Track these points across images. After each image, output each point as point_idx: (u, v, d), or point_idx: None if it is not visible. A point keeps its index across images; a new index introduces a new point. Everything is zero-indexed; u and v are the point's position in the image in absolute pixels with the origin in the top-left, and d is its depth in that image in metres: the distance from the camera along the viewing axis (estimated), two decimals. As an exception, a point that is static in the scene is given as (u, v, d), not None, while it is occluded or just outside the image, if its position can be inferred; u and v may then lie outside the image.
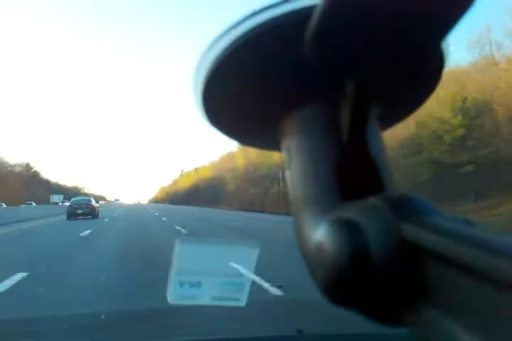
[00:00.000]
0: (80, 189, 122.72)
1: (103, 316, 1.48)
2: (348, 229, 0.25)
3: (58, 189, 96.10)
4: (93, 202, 28.29)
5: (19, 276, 6.05)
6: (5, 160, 72.60)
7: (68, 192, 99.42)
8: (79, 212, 26.39)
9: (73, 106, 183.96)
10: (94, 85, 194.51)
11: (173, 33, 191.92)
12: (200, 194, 75.24)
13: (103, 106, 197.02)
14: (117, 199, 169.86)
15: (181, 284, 0.95)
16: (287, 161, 0.31)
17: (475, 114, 22.78)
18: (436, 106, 21.62)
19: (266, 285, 4.97)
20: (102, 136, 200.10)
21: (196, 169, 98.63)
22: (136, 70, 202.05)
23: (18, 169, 77.72)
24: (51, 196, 77.33)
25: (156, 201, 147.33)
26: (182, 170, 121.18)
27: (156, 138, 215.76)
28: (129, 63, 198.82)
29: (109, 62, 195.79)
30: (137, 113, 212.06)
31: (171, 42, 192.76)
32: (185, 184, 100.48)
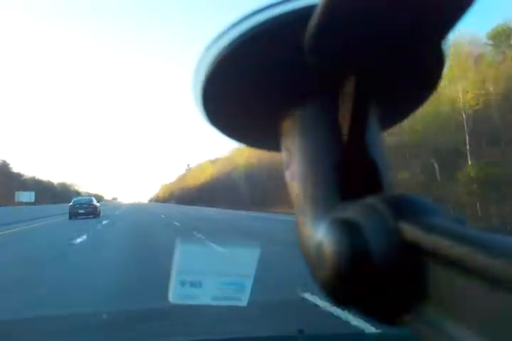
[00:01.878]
0: (69, 186, 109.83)
1: (104, 316, 1.49)
2: (347, 228, 0.25)
3: (36, 185, 78.12)
4: (94, 201, 28.80)
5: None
6: None
7: (52, 190, 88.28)
8: (80, 211, 26.85)
9: (63, 98, 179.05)
10: (90, 80, 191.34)
11: (173, 32, 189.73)
12: (223, 191, 51.46)
13: (98, 101, 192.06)
14: (115, 198, 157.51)
15: (182, 284, 0.94)
16: (287, 161, 0.31)
17: None
18: None
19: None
20: (99, 131, 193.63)
21: (213, 160, 77.03)
22: (133, 67, 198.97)
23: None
24: (17, 193, 56.44)
25: (157, 200, 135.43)
26: (188, 165, 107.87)
27: (155, 134, 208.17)
28: (127, 60, 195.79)
29: (108, 58, 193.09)
30: (135, 108, 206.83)
31: (172, 40, 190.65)
32: (195, 179, 78.69)
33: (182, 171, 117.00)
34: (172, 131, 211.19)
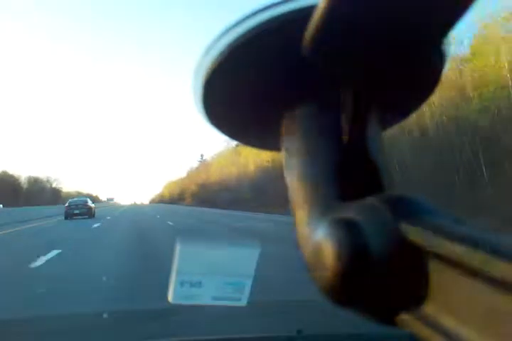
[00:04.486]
0: (45, 182, 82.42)
1: (104, 315, 1.49)
2: (347, 228, 0.25)
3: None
4: (89, 202, 29.39)
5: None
6: None
7: (13, 186, 67.45)
8: (76, 212, 27.44)
9: (51, 87, 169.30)
10: (83, 70, 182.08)
11: (173, 32, 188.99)
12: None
13: (89, 91, 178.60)
14: (111, 199, 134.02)
15: (182, 284, 0.94)
16: (287, 161, 0.31)
17: None
18: None
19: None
20: (93, 122, 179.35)
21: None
22: (127, 60, 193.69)
23: None
24: None
25: (162, 201, 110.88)
26: (202, 156, 79.82)
27: (155, 126, 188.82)
28: (122, 55, 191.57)
29: (105, 53, 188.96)
30: (132, 97, 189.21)
31: (173, 37, 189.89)
32: (224, 170, 51.03)
33: (193, 164, 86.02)
34: (171, 122, 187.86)
